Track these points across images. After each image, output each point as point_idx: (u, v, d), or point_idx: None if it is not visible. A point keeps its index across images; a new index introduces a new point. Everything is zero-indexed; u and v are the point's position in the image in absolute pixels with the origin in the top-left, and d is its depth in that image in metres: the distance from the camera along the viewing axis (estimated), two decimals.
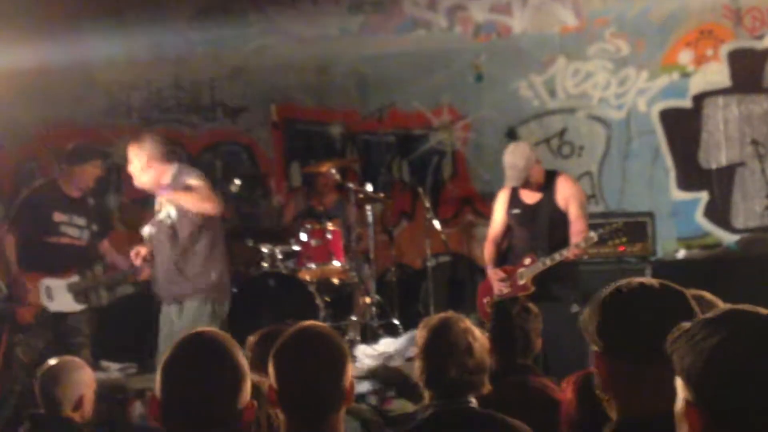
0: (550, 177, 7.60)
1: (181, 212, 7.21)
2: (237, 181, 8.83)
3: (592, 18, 9.90)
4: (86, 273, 8.00)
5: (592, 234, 7.19)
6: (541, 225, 7.53)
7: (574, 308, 7.06)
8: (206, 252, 7.31)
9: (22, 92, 10.25)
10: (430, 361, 3.88)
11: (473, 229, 10.06)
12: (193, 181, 7.25)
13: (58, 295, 7.84)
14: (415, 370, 3.95)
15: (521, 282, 7.42)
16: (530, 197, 7.61)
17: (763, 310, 1.93)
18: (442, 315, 4.04)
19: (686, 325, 1.95)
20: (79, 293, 7.90)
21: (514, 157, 7.45)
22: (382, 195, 9.06)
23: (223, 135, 10.75)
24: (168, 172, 7.31)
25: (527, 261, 7.44)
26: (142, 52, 10.64)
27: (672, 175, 9.72)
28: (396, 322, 8.66)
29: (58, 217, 7.92)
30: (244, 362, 3.03)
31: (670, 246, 9.44)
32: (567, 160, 9.88)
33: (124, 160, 10.61)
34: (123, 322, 9.27)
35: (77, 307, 7.89)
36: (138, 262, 7.38)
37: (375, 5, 10.35)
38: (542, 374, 5.04)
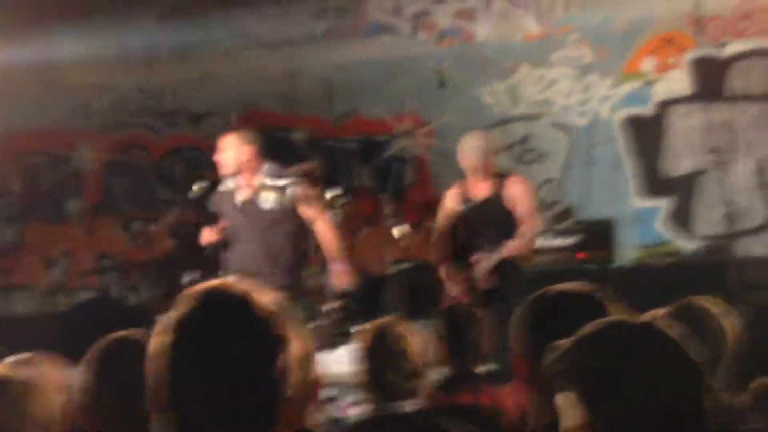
0: (501, 176, 7.64)
1: (290, 206, 7.18)
2: (198, 186, 8.78)
3: (555, 25, 9.91)
4: None
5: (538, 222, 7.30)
6: (491, 220, 7.55)
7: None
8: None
9: None
10: (369, 365, 3.86)
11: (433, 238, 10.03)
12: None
13: None
14: (356, 375, 3.94)
15: (479, 281, 7.42)
16: (480, 192, 7.64)
17: (635, 321, 1.94)
18: (378, 320, 4.02)
19: (564, 343, 1.95)
20: None
21: (474, 139, 7.50)
22: (343, 201, 9.03)
23: (186, 140, 10.71)
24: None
25: (475, 258, 7.46)
26: (108, 55, 10.59)
27: (634, 182, 9.72)
28: (358, 328, 8.61)
29: None
30: None
31: (631, 253, 9.45)
32: (530, 167, 9.86)
33: (86, 165, 10.71)
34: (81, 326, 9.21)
35: None
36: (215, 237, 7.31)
37: (340, 10, 10.34)
38: (492, 382, 5.01)
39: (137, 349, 3.28)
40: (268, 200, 7.24)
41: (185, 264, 8.93)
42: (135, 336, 3.40)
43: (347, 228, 9.92)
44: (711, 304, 3.94)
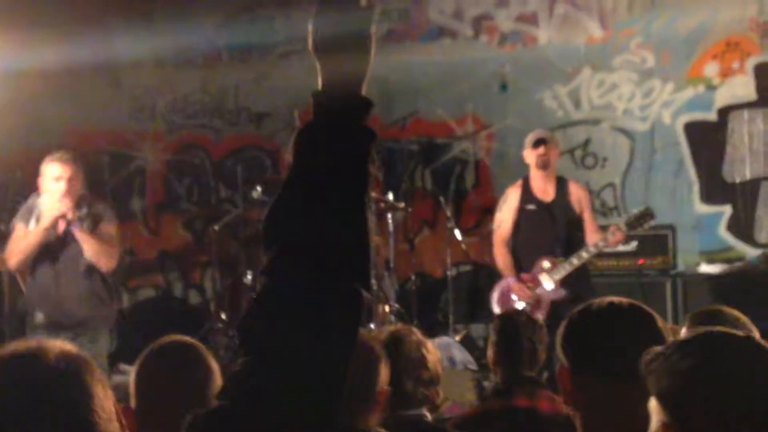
0: (561, 180, 7.64)
1: None
2: (259, 187, 8.86)
3: (618, 29, 9.87)
4: None
5: (619, 222, 7.21)
6: (558, 223, 7.49)
7: None
8: None
9: (49, 93, 10.33)
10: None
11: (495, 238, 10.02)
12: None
13: None
14: None
15: (548, 288, 7.36)
16: (545, 194, 7.59)
17: (737, 333, 1.94)
18: (393, 328, 4.03)
19: (661, 347, 1.96)
20: None
21: (542, 137, 7.52)
22: (402, 204, 9.05)
23: (246, 140, 10.79)
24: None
25: (546, 264, 7.38)
26: (168, 56, 10.69)
27: (695, 188, 9.66)
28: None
29: None
30: (215, 365, 3.14)
31: (692, 259, 9.38)
32: (590, 171, 9.85)
33: (149, 164, 10.82)
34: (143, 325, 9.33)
35: None
36: None
37: (401, 13, 10.36)
38: (547, 387, 5.01)
39: (188, 353, 3.34)
40: None
41: (246, 263, 9.02)
42: (186, 340, 3.45)
43: (405, 230, 9.97)
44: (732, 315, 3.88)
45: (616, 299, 2.59)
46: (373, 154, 1.90)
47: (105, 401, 2.14)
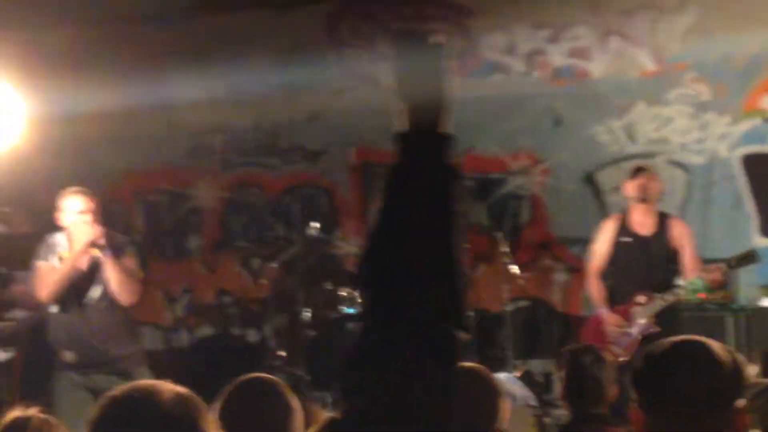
0: (662, 215, 7.59)
1: None
2: (315, 224, 8.91)
3: (671, 62, 9.84)
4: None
5: (721, 265, 7.14)
6: (655, 258, 7.41)
7: None
8: None
9: (105, 135, 10.46)
10: None
11: (551, 274, 10.01)
12: None
13: None
14: None
15: (641, 322, 7.31)
16: (643, 228, 7.52)
17: None
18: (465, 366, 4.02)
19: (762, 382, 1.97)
20: (2, 340, 7.66)
21: (644, 170, 7.47)
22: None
23: (302, 177, 10.85)
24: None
25: (640, 299, 7.31)
26: (222, 95, 10.78)
27: (754, 221, 9.59)
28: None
29: None
30: (295, 401, 3.18)
31: (753, 293, 9.30)
32: None
33: (206, 202, 10.91)
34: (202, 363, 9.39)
35: (4, 355, 7.70)
36: None
37: (453, 49, 10.39)
38: (618, 423, 4.99)
39: (266, 388, 3.37)
40: None
41: (304, 300, 9.06)
42: (268, 377, 3.49)
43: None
44: None
45: (684, 337, 2.59)
46: (461, 193, 1.92)
47: None
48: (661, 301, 7.24)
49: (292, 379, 8.37)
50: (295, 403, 3.32)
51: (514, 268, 8.91)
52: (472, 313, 9.22)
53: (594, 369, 4.96)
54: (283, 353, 8.95)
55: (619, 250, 7.57)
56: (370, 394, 1.82)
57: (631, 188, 7.65)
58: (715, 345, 2.58)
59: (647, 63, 9.95)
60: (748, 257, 7.36)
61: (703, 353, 2.54)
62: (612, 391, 5.02)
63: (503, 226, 10.08)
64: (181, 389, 2.26)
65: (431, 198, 1.88)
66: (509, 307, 9.06)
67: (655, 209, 7.64)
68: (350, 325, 8.52)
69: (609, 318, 7.48)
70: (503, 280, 9.03)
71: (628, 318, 7.37)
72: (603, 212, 9.34)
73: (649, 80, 9.94)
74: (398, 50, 1.95)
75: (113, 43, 10.62)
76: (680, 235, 7.53)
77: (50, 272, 6.80)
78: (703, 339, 2.60)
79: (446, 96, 1.93)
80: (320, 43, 10.71)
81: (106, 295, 6.84)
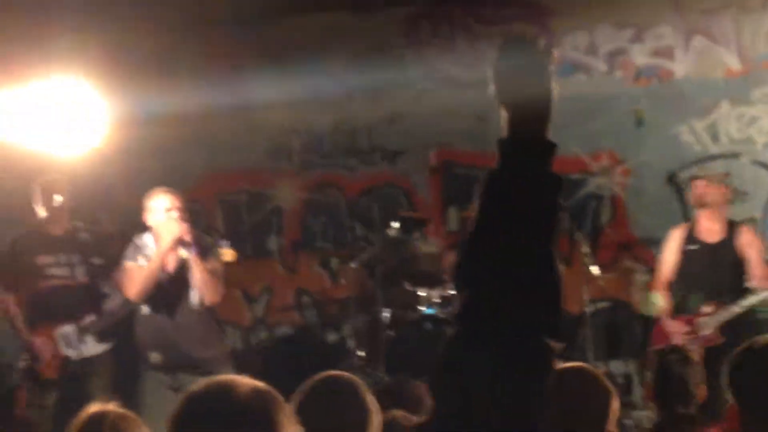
0: (732, 223, 7.48)
1: None
2: (395, 224, 8.91)
3: (757, 61, 9.68)
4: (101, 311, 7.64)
5: None
6: (723, 266, 7.32)
7: None
8: None
9: (186, 137, 10.57)
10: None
11: (632, 275, 9.89)
12: None
13: (77, 341, 7.58)
14: None
15: (706, 332, 7.21)
16: (710, 235, 7.44)
17: None
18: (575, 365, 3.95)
19: None
20: (100, 333, 7.63)
21: (709, 177, 7.38)
22: None
23: (381, 178, 10.86)
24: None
25: (708, 308, 7.22)
26: (301, 97, 10.83)
27: None
28: None
29: (41, 260, 7.66)
30: (373, 402, 3.17)
31: None
32: (731, 206, 9.63)
33: (285, 203, 10.97)
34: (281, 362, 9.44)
35: (101, 348, 7.63)
36: None
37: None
38: (708, 423, 4.92)
39: (346, 387, 3.36)
40: None
41: (383, 301, 9.07)
42: (347, 375, 3.48)
43: None
44: None
45: None
46: (561, 202, 1.90)
47: None
48: (727, 313, 7.11)
49: (370, 380, 8.39)
50: (373, 403, 3.31)
51: (595, 269, 8.83)
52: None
53: (681, 369, 4.92)
54: (362, 353, 8.96)
55: (685, 257, 7.47)
56: (460, 398, 1.80)
57: (691, 197, 7.56)
58: None
59: (732, 62, 9.79)
60: None
61: None
62: (701, 391, 4.96)
63: (584, 226, 10.00)
64: (258, 383, 2.27)
65: (532, 205, 1.86)
66: (589, 309, 8.97)
67: (722, 216, 7.51)
68: (429, 326, 8.51)
69: (671, 327, 7.40)
70: (583, 282, 8.95)
71: (693, 326, 7.26)
72: (685, 213, 9.22)
73: (733, 80, 9.78)
74: (503, 55, 1.93)
75: (195, 45, 10.74)
76: (749, 242, 7.41)
77: (138, 272, 6.89)
78: None
79: (551, 102, 1.92)
80: (399, 45, 10.71)
81: (194, 297, 6.90)
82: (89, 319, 7.67)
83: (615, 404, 3.20)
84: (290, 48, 10.82)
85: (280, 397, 2.26)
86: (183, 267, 6.91)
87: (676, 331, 7.35)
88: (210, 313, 7.03)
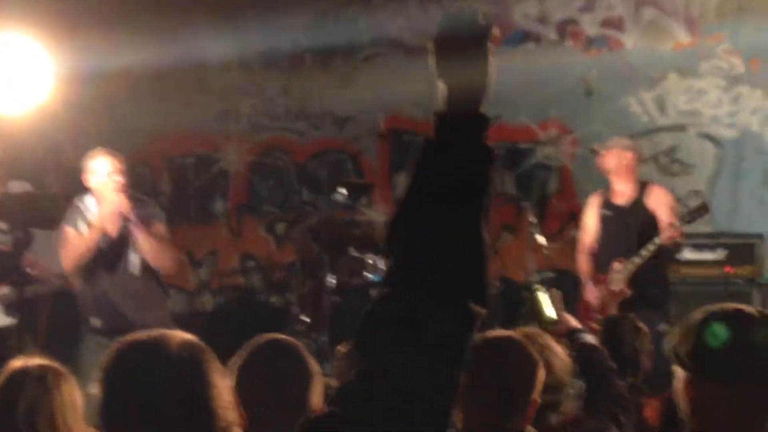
0: (642, 184, 7.67)
1: None
2: (342, 190, 8.88)
3: (705, 35, 9.72)
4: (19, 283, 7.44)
5: (677, 223, 7.21)
6: (635, 226, 7.51)
7: (662, 327, 6.90)
8: None
9: (134, 94, 10.46)
10: None
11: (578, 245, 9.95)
12: None
13: None
14: None
15: (615, 288, 7.38)
16: (622, 198, 7.63)
17: None
18: (525, 330, 3.97)
19: None
20: (9, 306, 7.53)
21: (618, 143, 7.56)
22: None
23: (330, 143, 10.82)
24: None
25: (617, 266, 7.41)
26: (254, 58, 10.75)
27: None
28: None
29: None
30: (315, 365, 3.18)
31: None
32: (676, 178, 9.71)
33: (232, 166, 10.91)
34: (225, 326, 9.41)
35: (6, 321, 7.52)
36: None
37: (485, 16, 10.29)
38: (650, 395, 4.95)
39: (287, 351, 3.35)
40: None
41: (329, 266, 9.05)
42: (287, 339, 3.47)
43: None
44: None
45: (741, 306, 2.55)
46: (493, 175, 1.93)
47: (224, 390, 2.21)
48: (632, 265, 7.31)
49: (314, 344, 8.39)
50: (315, 367, 3.30)
51: (541, 239, 8.86)
52: (496, 284, 9.21)
53: (631, 338, 4.94)
54: (306, 319, 8.95)
55: (602, 223, 7.69)
56: (383, 358, 1.82)
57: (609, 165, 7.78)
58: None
59: (681, 35, 9.82)
60: (701, 210, 7.42)
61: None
62: (646, 362, 4.98)
63: (531, 196, 10.03)
64: (189, 336, 2.30)
65: (464, 177, 1.88)
66: (535, 278, 9.01)
67: (632, 179, 7.70)
68: (374, 293, 8.51)
69: (588, 289, 7.61)
70: (529, 250, 8.98)
71: (607, 285, 7.47)
72: None
73: (682, 52, 9.82)
74: (442, 29, 1.94)
75: (143, 1, 10.58)
76: (656, 199, 7.63)
77: (77, 240, 6.73)
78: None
79: (488, 77, 1.93)
80: (352, 9, 10.64)
81: (134, 261, 6.79)
82: (3, 289, 7.55)
83: (541, 374, 3.22)
84: (244, 6, 10.71)
85: (210, 351, 2.28)
86: (125, 230, 6.77)
87: (594, 295, 7.54)
88: (153, 277, 6.91)
